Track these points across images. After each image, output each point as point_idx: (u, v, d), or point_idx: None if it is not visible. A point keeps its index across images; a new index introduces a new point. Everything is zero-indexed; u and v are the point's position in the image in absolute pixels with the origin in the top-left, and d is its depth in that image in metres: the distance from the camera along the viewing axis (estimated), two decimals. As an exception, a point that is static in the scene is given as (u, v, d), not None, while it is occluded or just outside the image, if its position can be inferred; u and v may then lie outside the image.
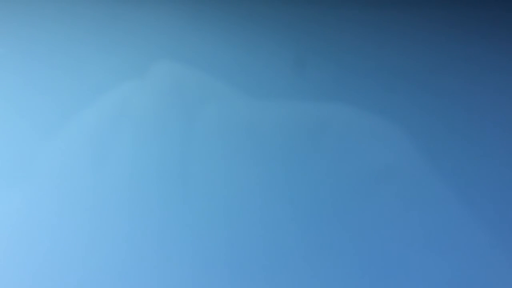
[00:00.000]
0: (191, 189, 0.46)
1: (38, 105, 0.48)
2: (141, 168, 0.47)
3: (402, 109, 0.46)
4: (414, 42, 0.47)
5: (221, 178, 0.46)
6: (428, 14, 0.47)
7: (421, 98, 0.46)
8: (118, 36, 0.49)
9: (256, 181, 0.46)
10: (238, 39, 0.48)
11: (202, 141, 0.47)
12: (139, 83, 0.48)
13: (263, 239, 0.45)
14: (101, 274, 0.46)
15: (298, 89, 0.47)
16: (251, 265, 0.45)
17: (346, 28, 0.48)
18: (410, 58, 0.47)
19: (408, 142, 0.46)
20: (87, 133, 0.47)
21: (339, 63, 0.47)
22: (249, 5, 0.48)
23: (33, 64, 0.49)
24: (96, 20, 0.49)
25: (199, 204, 0.46)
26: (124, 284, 0.45)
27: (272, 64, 0.47)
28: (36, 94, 0.48)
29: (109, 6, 0.49)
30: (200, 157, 0.47)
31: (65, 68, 0.48)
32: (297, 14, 0.48)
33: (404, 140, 0.46)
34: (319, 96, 0.47)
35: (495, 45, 0.46)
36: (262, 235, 0.46)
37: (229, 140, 0.47)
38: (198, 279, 0.45)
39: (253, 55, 0.48)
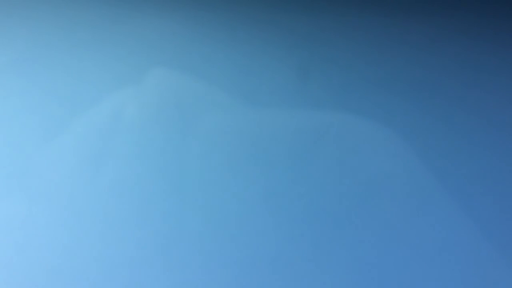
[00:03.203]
0: (190, 198, 0.46)
1: (34, 113, 0.48)
2: (138, 176, 0.46)
3: (403, 116, 0.46)
4: (416, 49, 0.47)
5: (220, 188, 0.46)
6: (430, 22, 0.47)
7: (422, 106, 0.46)
8: (114, 44, 0.48)
9: (255, 189, 0.46)
10: (236, 45, 0.48)
11: (201, 149, 0.47)
12: (136, 91, 0.47)
13: (262, 247, 0.45)
14: (100, 279, 0.46)
15: (297, 97, 0.47)
16: (250, 272, 0.45)
17: (346, 36, 0.47)
18: (411, 66, 0.47)
19: (410, 150, 0.46)
20: (83, 141, 0.47)
21: (339, 71, 0.47)
22: (249, 12, 0.48)
23: (29, 72, 0.48)
24: (93, 28, 0.49)
25: (198, 213, 0.46)
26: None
27: (271, 72, 0.47)
28: (31, 102, 0.48)
29: (106, 13, 0.49)
30: (198, 165, 0.46)
31: (61, 75, 0.48)
32: (298, 21, 0.48)
33: (405, 148, 0.46)
34: (319, 104, 0.47)
35: (497, 51, 0.46)
36: (262, 244, 0.45)
37: (228, 148, 0.47)
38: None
39: (251, 63, 0.47)
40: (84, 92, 0.48)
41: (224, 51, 0.48)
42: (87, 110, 0.47)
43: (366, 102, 0.46)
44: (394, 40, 0.47)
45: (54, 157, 0.47)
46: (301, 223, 0.45)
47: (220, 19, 0.48)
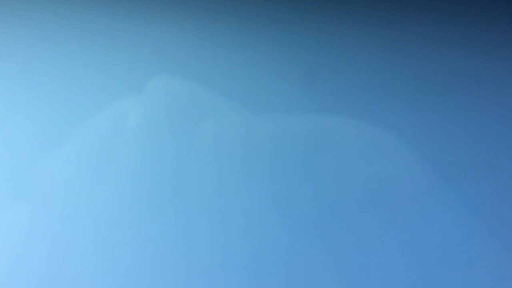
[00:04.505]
0: (194, 203, 0.46)
1: (38, 120, 0.48)
2: (142, 182, 0.46)
3: (408, 121, 0.46)
4: (420, 55, 0.47)
5: (225, 193, 0.46)
6: (434, 34, 0.47)
7: (427, 111, 0.46)
8: (117, 50, 0.48)
9: (260, 194, 0.46)
10: (239, 52, 0.48)
11: (205, 154, 0.47)
12: (140, 97, 0.47)
13: (265, 251, 0.45)
14: (105, 285, 0.45)
15: (301, 102, 0.47)
16: (253, 274, 0.45)
17: (351, 42, 0.47)
18: (415, 71, 0.47)
19: (412, 157, 0.46)
20: (87, 148, 0.47)
21: (343, 77, 0.47)
22: (254, 19, 0.48)
23: (32, 80, 0.49)
24: (96, 35, 0.49)
25: (202, 218, 0.46)
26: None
27: (275, 77, 0.47)
28: (36, 109, 0.48)
29: (109, 21, 0.49)
30: (203, 170, 0.46)
31: (65, 83, 0.48)
32: (302, 28, 0.48)
33: (410, 152, 0.46)
34: (322, 109, 0.47)
35: (498, 55, 0.46)
36: (264, 247, 0.45)
37: (232, 153, 0.47)
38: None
39: (255, 69, 0.47)
40: (87, 99, 0.48)
41: (227, 57, 0.48)
42: (91, 116, 0.47)
43: (370, 107, 0.46)
44: (398, 51, 0.47)
45: (59, 164, 0.47)
46: (305, 227, 0.45)
47: (223, 25, 0.49)
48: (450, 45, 0.47)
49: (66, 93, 0.48)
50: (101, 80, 0.48)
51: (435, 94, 0.46)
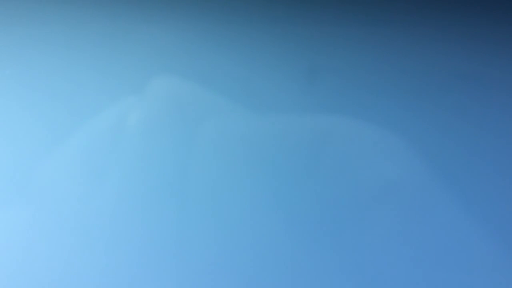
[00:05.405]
0: (194, 204, 0.46)
1: (38, 121, 0.48)
2: (140, 185, 0.46)
3: (409, 121, 0.46)
4: (419, 58, 0.47)
5: (226, 194, 0.46)
6: (434, 33, 0.47)
7: (427, 111, 0.46)
8: (118, 51, 0.48)
9: (260, 194, 0.46)
10: (239, 52, 0.48)
11: (205, 155, 0.47)
12: (140, 98, 0.47)
13: (263, 253, 0.45)
14: (105, 286, 0.45)
15: (301, 102, 0.47)
16: (251, 276, 0.45)
17: (352, 42, 0.48)
18: (416, 72, 0.47)
19: (413, 156, 0.46)
20: (87, 148, 0.47)
21: (341, 77, 0.47)
22: (254, 19, 0.48)
23: (33, 81, 0.49)
24: (97, 36, 0.49)
25: (202, 219, 0.46)
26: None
27: (275, 77, 0.47)
28: (36, 110, 0.48)
29: (109, 21, 0.49)
30: (203, 171, 0.46)
31: (65, 83, 0.48)
32: (302, 29, 0.48)
33: (409, 155, 0.46)
34: (323, 109, 0.47)
35: (502, 60, 0.46)
36: (263, 249, 0.45)
37: (232, 154, 0.47)
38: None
39: (255, 69, 0.48)
40: (87, 99, 0.48)
41: (227, 57, 0.48)
42: (91, 117, 0.47)
43: (372, 106, 0.46)
44: (398, 50, 0.47)
45: (59, 164, 0.47)
46: (306, 226, 0.45)
47: (223, 25, 0.49)
48: (451, 44, 0.47)
49: (66, 93, 0.48)
50: (101, 80, 0.48)
51: (436, 93, 0.46)
